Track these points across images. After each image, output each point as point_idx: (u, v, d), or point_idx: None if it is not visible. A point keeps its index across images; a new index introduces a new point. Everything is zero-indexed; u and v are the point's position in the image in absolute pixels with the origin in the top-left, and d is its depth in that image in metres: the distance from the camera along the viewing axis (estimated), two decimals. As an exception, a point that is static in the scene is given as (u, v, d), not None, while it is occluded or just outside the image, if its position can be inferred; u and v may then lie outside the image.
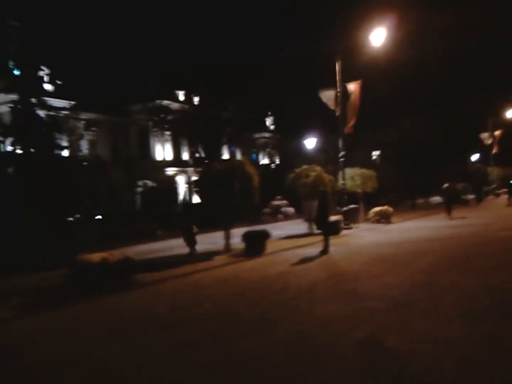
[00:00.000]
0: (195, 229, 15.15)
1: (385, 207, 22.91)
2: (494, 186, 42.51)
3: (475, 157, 49.08)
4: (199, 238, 15.53)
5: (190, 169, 46.99)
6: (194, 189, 30.47)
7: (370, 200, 25.23)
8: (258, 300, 8.15)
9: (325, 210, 13.90)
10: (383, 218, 22.41)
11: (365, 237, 17.27)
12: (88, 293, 9.13)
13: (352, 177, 22.78)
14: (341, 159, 20.41)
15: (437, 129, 43.45)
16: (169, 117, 45.73)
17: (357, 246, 14.75)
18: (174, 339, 6.28)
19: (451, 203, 23.90)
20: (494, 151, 44.05)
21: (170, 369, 5.17)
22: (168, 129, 46.15)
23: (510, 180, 48.87)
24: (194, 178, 40.95)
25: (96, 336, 6.83)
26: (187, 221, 15.96)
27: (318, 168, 19.40)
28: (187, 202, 41.44)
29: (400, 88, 45.18)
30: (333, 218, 17.45)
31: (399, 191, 37.17)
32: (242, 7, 75.65)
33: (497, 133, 44.51)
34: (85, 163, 28.27)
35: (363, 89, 20.11)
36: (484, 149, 46.52)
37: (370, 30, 18.99)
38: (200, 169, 22.50)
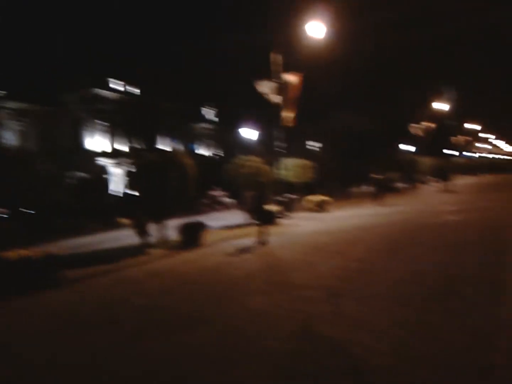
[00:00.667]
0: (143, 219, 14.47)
1: (322, 196, 23.30)
2: (425, 175, 44.45)
3: (407, 147, 51.14)
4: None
5: (126, 160, 45.56)
6: (130, 180, 29.54)
7: (308, 189, 25.56)
8: (193, 294, 7.91)
9: (261, 200, 13.86)
10: (320, 207, 22.77)
11: (302, 226, 17.40)
12: (5, 293, 8.47)
13: (290, 167, 22.92)
14: (280, 150, 20.45)
15: (373, 121, 44.83)
16: (105, 107, 44.09)
17: (294, 235, 14.81)
18: (99, 339, 5.91)
19: (383, 191, 24.86)
20: (425, 140, 45.97)
21: (93, 371, 4.84)
22: (103, 119, 44.50)
23: (440, 169, 51.62)
24: (129, 169, 39.72)
25: (10, 339, 6.32)
26: (137, 211, 15.18)
27: (256, 158, 19.34)
28: (127, 193, 40.15)
29: (340, 80, 45.95)
30: (270, 208, 17.52)
31: (336, 180, 38.03)
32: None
33: (429, 125, 46.50)
34: (7, 155, 26.59)
35: (304, 80, 20.17)
36: (416, 140, 48.55)
37: (310, 21, 19.01)
38: (135, 160, 21.85)
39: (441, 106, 52.08)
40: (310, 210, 22.78)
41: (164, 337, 5.71)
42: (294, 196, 22.43)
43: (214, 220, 21.28)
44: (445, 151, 62.16)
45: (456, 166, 50.10)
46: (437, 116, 53.87)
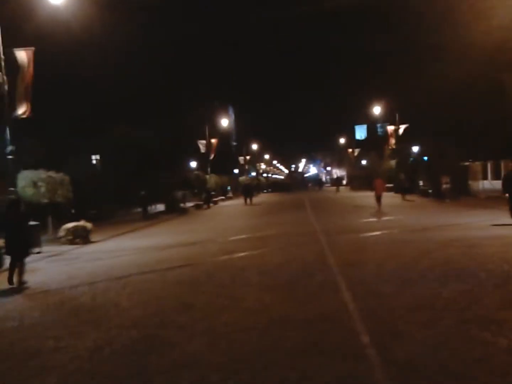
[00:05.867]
0: None
1: (81, 223, 17.34)
2: (212, 193, 41.90)
3: (194, 164, 48.30)
4: None
5: None
6: None
7: (64, 213, 19.36)
8: None
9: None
10: (79, 238, 16.84)
11: (38, 272, 11.31)
12: None
13: (34, 183, 16.47)
14: (10, 156, 13.95)
15: (160, 137, 40.47)
16: None
17: (16, 299, 8.70)
18: None
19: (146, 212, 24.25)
20: (211, 158, 43.66)
21: None
22: None
23: (228, 187, 50.22)
24: None
25: None
26: None
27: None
28: None
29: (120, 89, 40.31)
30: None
31: (112, 201, 32.10)
32: None
33: (213, 141, 44.38)
34: None
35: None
36: (201, 157, 45.92)
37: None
38: None
39: (225, 123, 51.12)
40: (65, 241, 16.66)
41: None
42: (37, 223, 15.86)
43: None
44: (233, 170, 61.85)
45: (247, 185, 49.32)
46: (223, 135, 52.82)
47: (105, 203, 28.28)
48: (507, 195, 13.49)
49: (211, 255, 11.37)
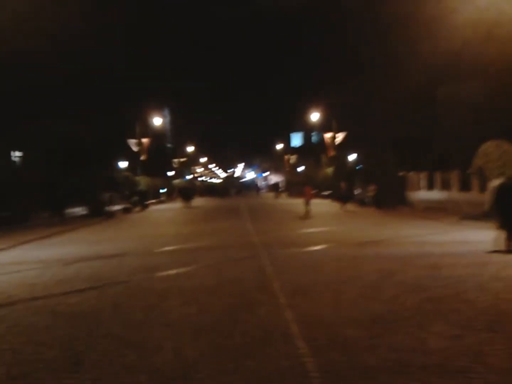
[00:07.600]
0: None
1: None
2: (147, 196, 39.25)
3: (123, 164, 45.20)
4: None
5: None
6: None
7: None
8: None
9: None
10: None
11: None
12: None
13: None
14: None
15: (87, 133, 37.32)
16: None
17: None
18: None
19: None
20: (142, 158, 40.94)
21: None
22: None
23: (161, 190, 47.70)
24: None
25: None
26: None
27: None
28: None
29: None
30: None
31: (36, 202, 28.64)
32: None
33: (145, 140, 41.68)
34: None
35: None
36: (133, 157, 43.02)
37: None
38: None
39: (158, 123, 48.39)
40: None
41: None
42: None
43: None
44: (167, 172, 59.05)
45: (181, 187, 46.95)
46: (157, 135, 50.10)
47: (21, 205, 24.99)
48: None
49: (127, 274, 9.24)
